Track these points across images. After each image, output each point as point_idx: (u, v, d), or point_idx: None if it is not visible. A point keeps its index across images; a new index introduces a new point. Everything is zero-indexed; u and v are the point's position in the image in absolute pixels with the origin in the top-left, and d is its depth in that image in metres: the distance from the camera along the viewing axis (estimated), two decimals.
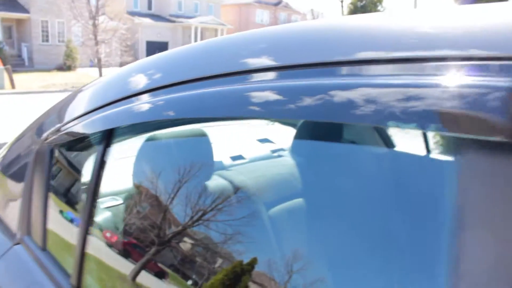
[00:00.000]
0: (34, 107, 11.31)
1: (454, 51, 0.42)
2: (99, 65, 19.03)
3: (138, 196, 0.99)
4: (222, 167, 1.19)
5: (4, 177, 1.43)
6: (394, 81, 0.44)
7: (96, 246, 0.94)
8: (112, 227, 1.05)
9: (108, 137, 0.92)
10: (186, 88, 0.70)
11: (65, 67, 22.86)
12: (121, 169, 0.98)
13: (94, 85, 1.10)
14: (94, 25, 19.23)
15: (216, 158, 1.00)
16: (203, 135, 0.93)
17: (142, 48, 29.16)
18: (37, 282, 1.01)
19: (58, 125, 1.11)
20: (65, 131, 1.06)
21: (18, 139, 1.47)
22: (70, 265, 0.96)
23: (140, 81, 0.87)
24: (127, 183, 1.00)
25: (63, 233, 1.10)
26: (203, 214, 0.79)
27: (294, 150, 1.13)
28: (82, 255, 0.90)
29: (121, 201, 1.11)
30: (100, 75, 18.56)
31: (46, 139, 1.16)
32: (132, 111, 0.83)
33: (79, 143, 1.10)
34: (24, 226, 1.15)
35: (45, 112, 1.34)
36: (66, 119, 1.08)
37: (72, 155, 1.17)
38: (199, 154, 0.95)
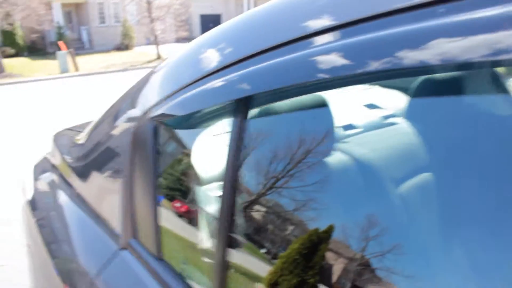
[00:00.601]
0: (100, 87, 11.65)
1: None
2: (155, 42, 19.23)
3: (261, 181, 0.78)
4: (337, 138, 1.04)
5: (91, 167, 1.24)
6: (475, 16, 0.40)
7: (245, 257, 0.71)
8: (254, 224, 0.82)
9: (244, 107, 0.70)
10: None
11: (122, 47, 23.41)
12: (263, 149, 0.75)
13: (202, 43, 0.88)
14: (148, 3, 19.32)
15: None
16: (323, 104, 0.80)
17: (196, 22, 29.13)
18: None
19: (163, 96, 0.89)
20: (175, 102, 0.83)
21: (100, 123, 1.29)
22: (204, 283, 0.73)
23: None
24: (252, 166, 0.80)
25: (186, 237, 0.87)
26: (330, 197, 0.70)
27: (411, 116, 0.96)
28: (225, 268, 0.67)
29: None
30: (158, 52, 18.87)
31: (145, 115, 0.93)
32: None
33: (194, 117, 0.87)
34: (129, 227, 0.94)
35: (132, 90, 1.15)
36: (173, 87, 0.86)
37: (186, 132, 0.94)
38: (321, 126, 0.82)
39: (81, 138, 1.44)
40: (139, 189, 0.93)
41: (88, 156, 1.30)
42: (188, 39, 25.41)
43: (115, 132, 1.11)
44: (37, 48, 23.07)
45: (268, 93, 0.69)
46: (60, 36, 21.48)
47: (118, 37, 23.93)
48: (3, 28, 20.10)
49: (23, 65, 17.61)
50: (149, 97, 0.96)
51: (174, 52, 1.06)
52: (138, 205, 0.93)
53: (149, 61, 17.98)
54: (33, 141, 6.33)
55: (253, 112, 0.75)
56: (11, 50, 20.62)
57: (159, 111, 0.89)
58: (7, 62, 16.75)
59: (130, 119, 1.02)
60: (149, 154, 0.90)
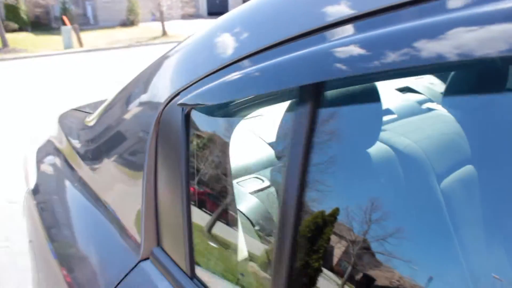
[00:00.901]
0: (105, 63, 11.52)
1: None
2: (161, 18, 18.96)
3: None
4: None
5: (102, 153, 1.08)
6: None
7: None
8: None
9: (316, 94, 0.57)
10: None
11: (128, 23, 23.19)
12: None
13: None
14: None
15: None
16: (373, 93, 0.74)
17: None
18: None
19: (193, 80, 0.73)
20: (211, 87, 0.68)
21: (112, 106, 1.13)
22: None
23: None
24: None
25: (228, 249, 0.72)
26: (373, 197, 0.62)
27: (452, 102, 0.91)
28: None
29: (267, 183, 0.83)
30: (163, 28, 18.61)
31: (171, 101, 0.77)
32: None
33: (235, 104, 0.71)
34: (152, 233, 0.77)
35: (146, 72, 0.99)
36: (205, 70, 0.71)
37: (226, 121, 0.77)
38: (368, 116, 0.77)
39: (91, 120, 1.28)
40: (165, 185, 0.76)
41: (99, 142, 1.14)
42: (194, 16, 25.11)
43: (132, 118, 0.96)
44: (41, 23, 22.84)
45: (342, 78, 0.56)
46: (65, 11, 21.23)
47: (124, 13, 23.68)
48: (6, 2, 19.86)
49: (27, 40, 17.43)
50: (175, 81, 0.80)
51: (195, 31, 0.93)
52: (164, 205, 0.77)
53: (155, 38, 17.77)
54: (38, 120, 6.21)
55: (321, 100, 0.60)
56: (15, 25, 20.41)
57: (191, 97, 0.73)
58: (10, 37, 16.56)
59: (151, 105, 0.86)
60: (180, 146, 0.73)
